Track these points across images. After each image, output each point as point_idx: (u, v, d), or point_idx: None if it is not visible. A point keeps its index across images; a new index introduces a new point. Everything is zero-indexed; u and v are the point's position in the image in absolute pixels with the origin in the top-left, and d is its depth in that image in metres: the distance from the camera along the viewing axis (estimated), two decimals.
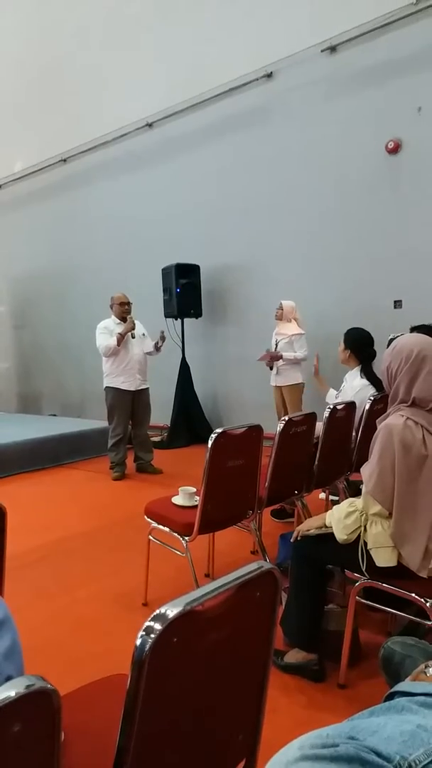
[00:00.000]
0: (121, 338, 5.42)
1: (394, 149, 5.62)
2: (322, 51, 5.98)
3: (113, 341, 5.41)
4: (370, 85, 5.74)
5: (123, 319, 5.55)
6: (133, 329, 5.50)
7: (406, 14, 5.38)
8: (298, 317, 5.87)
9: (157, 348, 5.64)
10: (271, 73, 6.46)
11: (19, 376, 10.19)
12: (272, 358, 5.72)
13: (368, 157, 5.79)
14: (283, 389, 5.86)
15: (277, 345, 5.83)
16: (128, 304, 5.60)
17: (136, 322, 5.56)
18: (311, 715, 2.02)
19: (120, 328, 5.47)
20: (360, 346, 3.65)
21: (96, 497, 5.06)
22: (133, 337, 5.53)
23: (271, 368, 5.86)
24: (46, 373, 9.67)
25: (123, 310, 5.57)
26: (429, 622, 1.99)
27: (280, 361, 5.72)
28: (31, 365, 9.99)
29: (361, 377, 3.61)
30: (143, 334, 5.65)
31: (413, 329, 4.32)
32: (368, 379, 3.57)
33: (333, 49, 5.92)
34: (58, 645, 2.56)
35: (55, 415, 8.93)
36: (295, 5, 6.12)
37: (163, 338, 5.67)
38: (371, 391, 3.50)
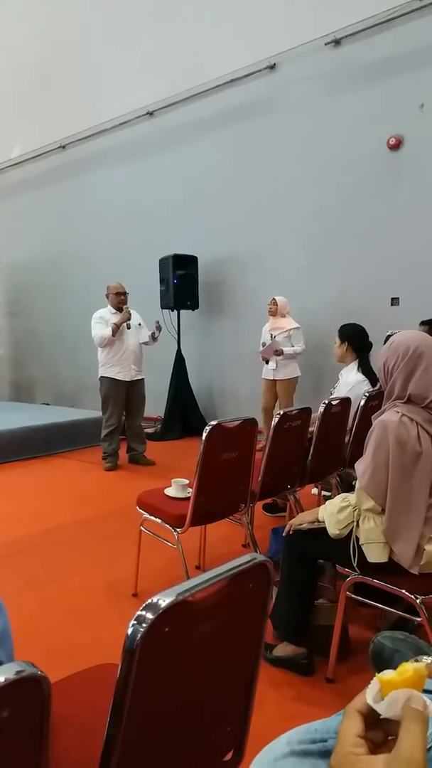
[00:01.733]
0: (117, 328, 5.39)
1: (396, 145, 5.60)
2: (326, 44, 5.94)
3: (108, 331, 5.38)
4: (374, 80, 5.72)
5: (119, 309, 5.51)
6: (129, 320, 5.47)
7: (411, 9, 5.36)
8: (289, 311, 5.92)
9: (154, 338, 5.63)
10: (274, 64, 6.42)
11: (12, 363, 10.14)
12: (275, 353, 5.71)
13: (369, 152, 5.77)
14: (279, 383, 5.86)
15: (273, 339, 5.83)
16: (124, 294, 5.57)
17: (132, 312, 5.53)
18: (299, 708, 2.03)
19: (116, 318, 5.44)
20: (357, 339, 3.69)
21: (88, 487, 5.05)
22: (129, 327, 5.50)
23: (267, 362, 5.85)
24: (40, 362, 9.63)
25: (119, 300, 5.54)
26: (418, 619, 2.00)
27: (280, 356, 5.72)
28: (24, 353, 9.94)
29: (358, 371, 3.62)
30: (139, 324, 5.63)
31: (423, 323, 4.36)
32: (364, 373, 3.60)
33: (337, 42, 5.89)
34: (47, 634, 2.55)
35: (48, 404, 8.91)
36: None
37: (159, 328, 5.64)
38: (366, 387, 3.51)
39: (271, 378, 5.89)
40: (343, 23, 5.76)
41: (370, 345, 3.71)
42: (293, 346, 5.76)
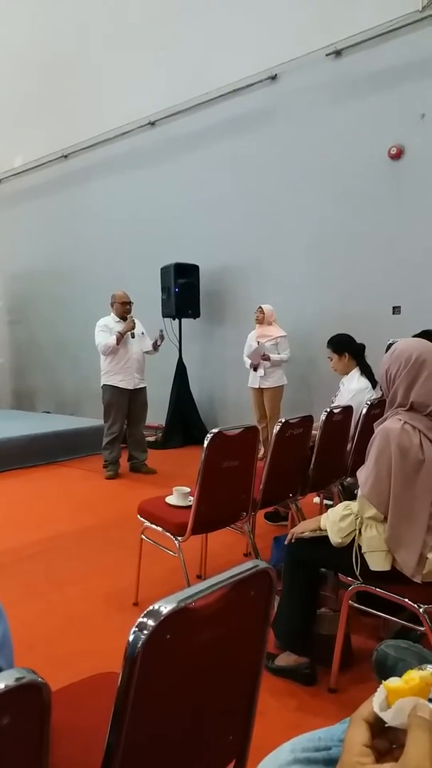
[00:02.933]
0: (121, 337, 5.40)
1: (397, 155, 5.62)
2: (327, 55, 5.98)
3: (113, 340, 5.39)
4: (374, 90, 5.75)
5: (123, 318, 5.53)
6: (134, 329, 5.48)
7: (412, 21, 5.40)
8: (276, 319, 5.99)
9: (156, 347, 5.64)
10: (276, 75, 6.46)
11: (14, 372, 10.15)
12: (262, 357, 5.77)
13: (370, 162, 5.80)
14: (265, 391, 5.91)
15: (260, 346, 5.88)
16: (130, 303, 5.59)
17: (135, 321, 5.55)
18: (301, 718, 2.01)
19: (119, 327, 5.45)
20: (352, 346, 3.74)
21: (89, 496, 5.04)
22: (133, 336, 5.51)
23: (255, 369, 5.89)
24: (41, 370, 9.64)
25: (124, 309, 5.55)
26: (421, 628, 1.98)
27: (267, 362, 5.77)
28: (25, 361, 9.96)
29: (361, 377, 3.64)
30: (142, 333, 5.64)
31: (416, 336, 4.36)
32: (365, 374, 3.62)
33: (338, 53, 5.93)
34: (48, 642, 2.54)
35: (49, 413, 8.91)
36: (301, 9, 6.12)
37: (162, 337, 5.67)
38: (369, 394, 3.52)
39: (257, 386, 5.93)
40: (343, 34, 5.80)
41: (363, 346, 3.74)
42: (279, 354, 5.81)
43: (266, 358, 5.76)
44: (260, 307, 5.98)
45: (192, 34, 7.12)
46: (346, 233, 6.05)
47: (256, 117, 6.70)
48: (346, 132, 5.98)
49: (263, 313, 5.94)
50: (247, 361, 5.97)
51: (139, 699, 0.87)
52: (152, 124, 7.67)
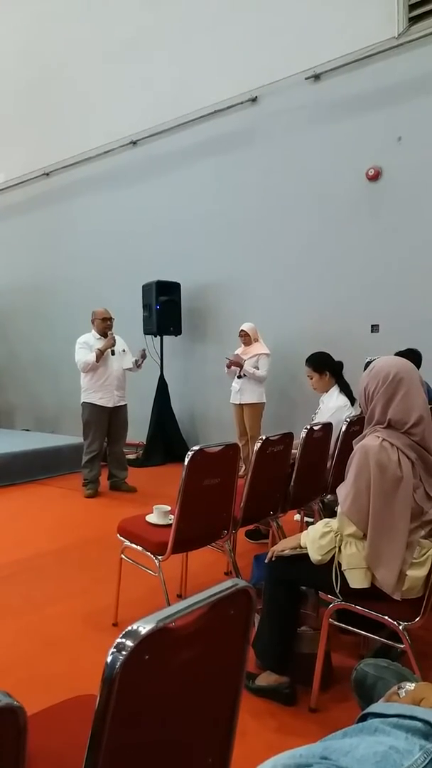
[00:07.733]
0: (101, 354, 5.38)
1: (375, 176, 5.73)
2: (306, 78, 6.10)
3: (92, 357, 5.37)
4: (352, 113, 5.87)
5: (104, 335, 5.51)
6: (113, 345, 5.47)
7: (389, 47, 5.53)
8: (259, 337, 6.03)
9: (137, 365, 5.63)
10: (256, 97, 6.56)
11: None
12: (234, 362, 5.81)
13: (349, 183, 5.90)
14: (245, 408, 5.93)
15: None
16: (110, 319, 5.57)
17: (117, 337, 5.53)
18: (282, 739, 1.99)
19: (100, 344, 5.43)
20: (332, 365, 3.77)
21: (68, 514, 4.98)
22: (113, 353, 5.49)
23: (240, 377, 5.90)
24: (21, 387, 9.56)
25: (105, 325, 5.53)
26: (401, 646, 1.99)
27: (241, 378, 5.82)
28: (5, 378, 9.86)
29: (340, 394, 3.67)
30: (123, 350, 5.63)
31: (398, 354, 4.41)
32: (344, 392, 3.65)
33: (317, 77, 6.05)
34: (24, 664, 2.49)
35: (28, 430, 8.82)
36: (281, 33, 6.25)
37: (144, 356, 5.66)
38: (348, 412, 3.54)
39: (238, 402, 5.97)
40: (322, 59, 5.92)
41: (342, 364, 3.77)
42: (258, 370, 5.84)
43: (240, 362, 5.78)
44: (242, 330, 6.00)
45: (174, 55, 7.22)
46: (325, 252, 6.12)
47: (236, 138, 6.79)
48: (324, 153, 6.08)
49: (248, 335, 5.97)
50: (229, 373, 5.99)
51: (116, 721, 0.86)
52: (134, 143, 7.73)
